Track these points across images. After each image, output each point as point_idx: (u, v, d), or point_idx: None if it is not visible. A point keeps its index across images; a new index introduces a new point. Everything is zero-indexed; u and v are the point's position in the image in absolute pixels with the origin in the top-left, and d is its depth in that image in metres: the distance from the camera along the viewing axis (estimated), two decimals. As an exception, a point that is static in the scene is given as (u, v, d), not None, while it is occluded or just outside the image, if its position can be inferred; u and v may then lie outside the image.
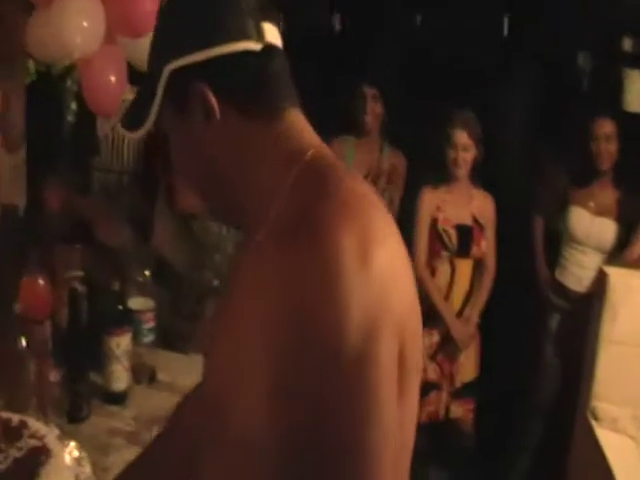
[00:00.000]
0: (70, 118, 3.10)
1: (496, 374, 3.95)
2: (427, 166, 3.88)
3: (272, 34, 1.14)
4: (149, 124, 1.16)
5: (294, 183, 1.08)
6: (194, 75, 1.11)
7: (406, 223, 3.83)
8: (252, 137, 1.13)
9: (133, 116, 1.20)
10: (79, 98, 2.94)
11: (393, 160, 3.99)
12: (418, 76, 4.47)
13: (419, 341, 1.11)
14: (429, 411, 3.80)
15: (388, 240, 1.04)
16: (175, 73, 1.12)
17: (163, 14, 1.19)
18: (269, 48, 1.12)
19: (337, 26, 5.04)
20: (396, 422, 1.00)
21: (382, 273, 0.98)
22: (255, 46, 1.11)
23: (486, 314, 3.85)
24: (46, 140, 2.98)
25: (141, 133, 1.18)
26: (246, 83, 1.12)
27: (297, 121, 1.16)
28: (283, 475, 0.97)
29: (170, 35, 1.16)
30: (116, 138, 3.26)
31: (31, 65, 2.87)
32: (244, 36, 1.10)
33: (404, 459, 1.14)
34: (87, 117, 2.97)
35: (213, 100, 1.11)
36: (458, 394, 3.83)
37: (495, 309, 3.87)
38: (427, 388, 3.78)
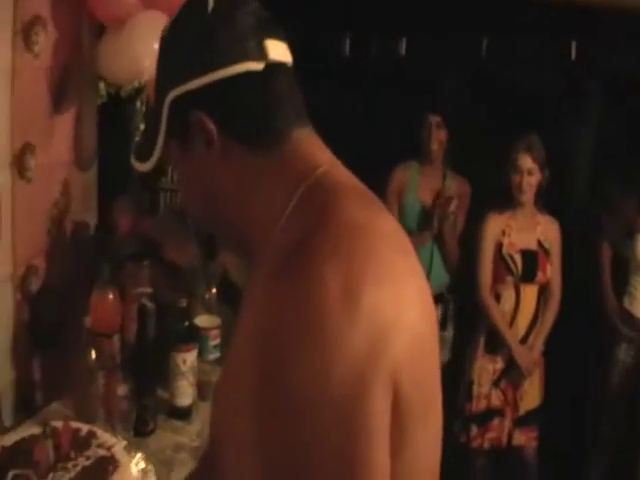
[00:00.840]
0: (138, 139, 3.14)
1: (561, 402, 3.88)
2: (492, 192, 3.85)
3: (277, 51, 1.08)
4: (156, 157, 1.12)
5: (295, 208, 1.02)
6: (192, 103, 1.06)
7: (470, 249, 3.82)
8: (254, 164, 1.07)
9: (143, 149, 1.16)
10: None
11: (457, 186, 3.98)
12: (483, 101, 4.45)
13: (429, 385, 1.02)
14: (491, 438, 3.76)
15: (390, 276, 0.94)
16: (175, 103, 1.08)
17: (162, 43, 1.15)
18: (273, 66, 1.06)
19: (402, 52, 5.05)
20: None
21: (374, 314, 0.89)
22: (257, 66, 1.05)
23: (551, 341, 3.78)
24: (116, 160, 3.04)
25: (149, 166, 1.14)
26: (245, 107, 1.06)
27: (305, 142, 1.09)
28: None
29: (169, 64, 1.12)
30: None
31: (101, 87, 2.94)
32: (243, 57, 1.04)
33: None
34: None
35: (211, 128, 1.05)
36: (521, 422, 3.76)
37: (560, 336, 3.80)
38: (490, 415, 3.75)
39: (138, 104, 3.30)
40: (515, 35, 4.40)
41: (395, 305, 0.92)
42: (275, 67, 1.07)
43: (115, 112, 3.06)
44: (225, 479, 1.07)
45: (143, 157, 1.15)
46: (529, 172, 3.64)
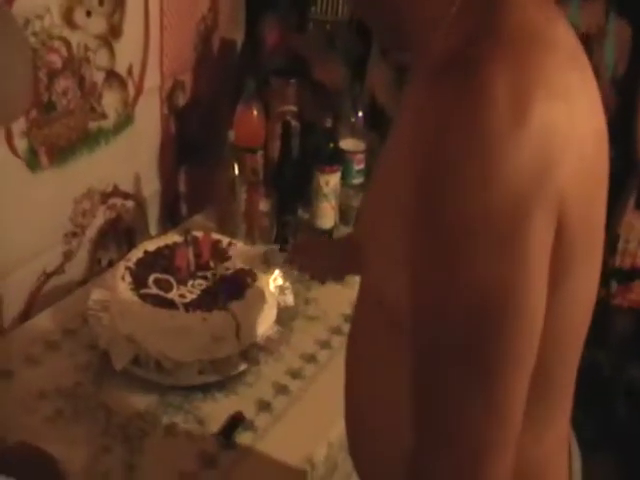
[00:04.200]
0: None
1: None
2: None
3: None
4: None
5: (462, 6, 0.88)
6: None
7: (627, 98, 3.54)
8: None
9: None
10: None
11: (618, 29, 3.64)
12: None
13: (596, 219, 0.93)
14: (632, 299, 3.59)
15: (564, 91, 0.82)
16: None
17: None
18: None
19: None
20: (540, 323, 0.83)
21: (543, 132, 0.78)
22: None
23: None
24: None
25: None
26: None
27: None
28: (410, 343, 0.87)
29: None
30: (331, -13, 3.16)
31: None
32: None
33: (565, 353, 0.97)
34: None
35: None
36: None
37: None
38: (634, 274, 3.57)
39: None
40: None
41: (566, 125, 0.81)
42: None
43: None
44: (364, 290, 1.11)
45: None
46: None
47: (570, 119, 0.82)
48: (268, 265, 1.77)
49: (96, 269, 2.20)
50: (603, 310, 3.63)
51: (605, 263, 0.98)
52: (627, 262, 3.58)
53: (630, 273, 3.58)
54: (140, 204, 2.36)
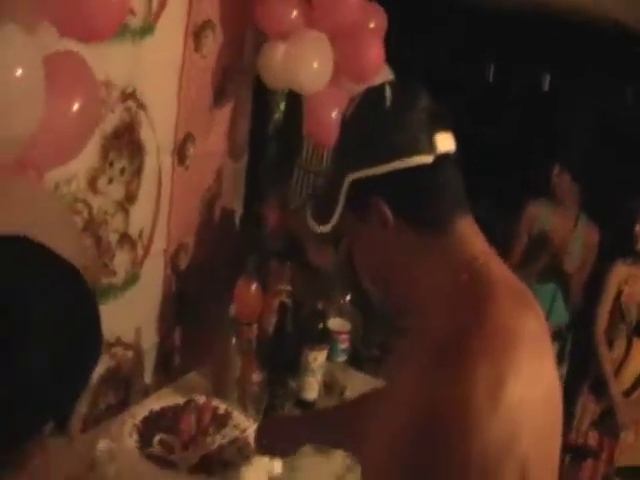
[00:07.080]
0: (277, 116, 3.18)
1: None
2: (623, 240, 3.83)
3: (445, 143, 1.20)
4: (332, 224, 1.23)
5: (455, 295, 1.15)
6: (371, 188, 1.19)
7: (593, 291, 3.84)
8: (421, 248, 1.19)
9: (320, 212, 1.27)
10: (289, 98, 3.07)
11: (587, 233, 3.96)
12: (622, 149, 4.40)
13: (551, 468, 1.15)
14: (582, 477, 3.78)
15: (526, 380, 1.06)
16: (354, 183, 1.20)
17: (346, 126, 1.28)
18: (441, 159, 1.18)
19: (545, 87, 5.05)
20: None
21: (511, 412, 1.03)
22: (427, 159, 1.17)
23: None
24: (257, 136, 3.11)
25: (326, 230, 1.26)
26: (416, 196, 1.19)
27: (466, 232, 1.21)
28: None
29: (350, 148, 1.24)
30: (318, 140, 3.35)
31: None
32: (416, 151, 1.16)
33: None
34: (294, 116, 3.07)
35: (388, 214, 1.18)
36: (627, 474, 3.73)
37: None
38: (585, 453, 3.77)
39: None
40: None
41: (529, 399, 1.06)
42: (442, 158, 1.19)
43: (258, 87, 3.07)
44: None
45: (320, 220, 1.27)
46: None
47: (528, 394, 1.06)
48: None
49: (95, 412, 2.30)
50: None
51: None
52: (580, 440, 3.78)
53: (582, 451, 3.78)
54: (138, 354, 2.50)
